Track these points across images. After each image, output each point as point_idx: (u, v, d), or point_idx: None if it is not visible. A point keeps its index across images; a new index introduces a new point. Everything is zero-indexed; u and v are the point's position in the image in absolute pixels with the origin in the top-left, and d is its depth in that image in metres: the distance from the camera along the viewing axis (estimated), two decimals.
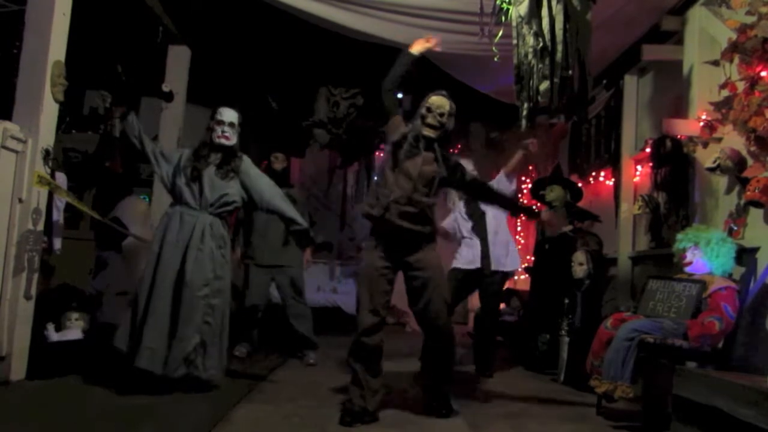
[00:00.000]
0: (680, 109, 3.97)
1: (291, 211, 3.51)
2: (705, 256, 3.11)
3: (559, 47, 3.13)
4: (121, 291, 4.40)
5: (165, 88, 4.94)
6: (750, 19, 2.99)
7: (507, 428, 2.90)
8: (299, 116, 6.44)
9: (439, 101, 3.04)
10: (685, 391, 2.41)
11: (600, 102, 5.70)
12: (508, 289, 7.37)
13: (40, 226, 3.24)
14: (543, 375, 4.49)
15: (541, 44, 3.14)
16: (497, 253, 4.36)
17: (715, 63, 3.35)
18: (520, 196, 7.89)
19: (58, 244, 3.80)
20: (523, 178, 7.75)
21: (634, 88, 4.99)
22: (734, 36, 3.10)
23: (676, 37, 4.15)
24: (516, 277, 8.04)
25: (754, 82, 2.98)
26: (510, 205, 3.50)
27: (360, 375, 2.94)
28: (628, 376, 2.89)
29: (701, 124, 3.55)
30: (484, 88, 5.49)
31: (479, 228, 4.42)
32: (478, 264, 4.34)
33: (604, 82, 5.35)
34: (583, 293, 4.26)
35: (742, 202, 3.26)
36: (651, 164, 4.26)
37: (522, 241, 8.15)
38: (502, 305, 7.08)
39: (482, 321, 4.58)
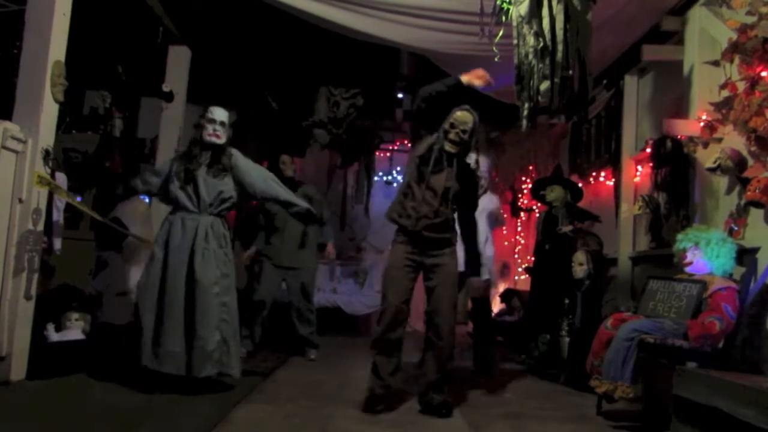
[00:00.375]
0: (680, 109, 3.97)
1: (286, 194, 3.56)
2: (705, 256, 3.11)
3: (560, 47, 3.13)
4: (121, 291, 4.41)
5: (165, 88, 4.94)
6: (750, 20, 2.99)
7: (507, 428, 2.90)
8: (299, 116, 6.44)
9: (463, 117, 3.15)
10: (686, 392, 2.41)
11: (600, 102, 5.70)
12: (508, 289, 7.39)
13: (40, 227, 3.24)
14: (543, 375, 4.49)
15: (541, 44, 3.14)
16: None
17: (716, 63, 3.35)
18: (520, 196, 7.91)
19: (58, 244, 3.80)
20: (524, 179, 7.75)
21: (634, 89, 4.99)
22: (735, 36, 3.10)
23: (677, 38, 4.15)
24: (516, 277, 8.05)
25: (754, 82, 2.98)
26: (470, 262, 3.48)
27: (380, 366, 3.14)
28: (629, 377, 2.89)
29: (701, 124, 3.54)
30: (484, 88, 5.48)
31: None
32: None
33: (605, 82, 5.35)
34: (584, 293, 4.26)
35: (743, 202, 3.26)
36: (651, 164, 4.25)
37: (522, 242, 8.16)
38: (503, 305, 7.12)
39: (477, 322, 4.62)
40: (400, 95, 7.12)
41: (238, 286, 3.59)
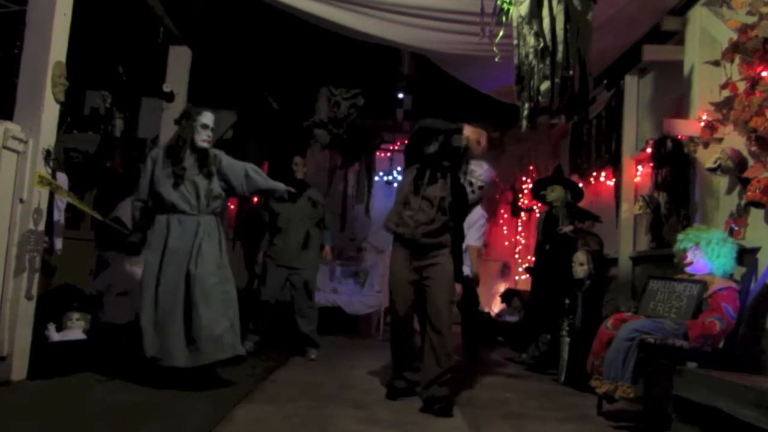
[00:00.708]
0: (681, 109, 3.96)
1: (266, 182, 3.73)
2: (706, 256, 3.11)
3: (560, 47, 3.12)
4: (122, 291, 4.41)
5: (166, 88, 4.94)
6: (751, 19, 2.99)
7: (507, 428, 2.90)
8: (300, 116, 6.44)
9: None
10: (686, 392, 2.41)
11: (601, 102, 5.69)
12: (509, 289, 7.40)
13: (41, 227, 3.24)
14: (543, 375, 4.49)
15: (541, 44, 3.14)
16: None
17: (716, 63, 3.34)
18: (520, 196, 7.91)
19: (59, 244, 3.80)
20: (524, 179, 7.75)
21: (634, 89, 4.99)
22: (735, 36, 3.10)
23: (677, 38, 4.15)
24: (517, 277, 8.05)
25: (754, 82, 2.98)
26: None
27: (397, 360, 3.50)
28: (629, 377, 2.89)
29: (702, 124, 3.54)
30: (484, 88, 5.49)
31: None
32: None
33: (605, 82, 5.34)
34: (584, 293, 4.26)
35: (743, 202, 3.26)
36: (652, 164, 4.25)
37: (522, 242, 8.15)
38: (503, 305, 7.12)
39: (465, 313, 4.87)
40: (400, 95, 7.12)
41: (238, 285, 3.65)
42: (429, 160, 3.40)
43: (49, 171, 3.27)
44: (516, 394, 3.76)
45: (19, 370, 3.10)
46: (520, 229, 8.25)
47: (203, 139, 3.50)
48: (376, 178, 8.24)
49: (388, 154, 8.54)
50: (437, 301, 3.30)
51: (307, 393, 3.39)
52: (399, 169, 8.24)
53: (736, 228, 3.31)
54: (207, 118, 3.54)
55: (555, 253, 4.74)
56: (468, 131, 3.32)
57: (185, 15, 4.93)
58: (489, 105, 5.86)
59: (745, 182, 3.16)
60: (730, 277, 3.09)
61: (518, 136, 7.26)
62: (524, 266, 7.36)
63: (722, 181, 3.51)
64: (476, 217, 4.89)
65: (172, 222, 3.39)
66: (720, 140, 3.48)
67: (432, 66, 5.16)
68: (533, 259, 5.48)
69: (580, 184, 5.33)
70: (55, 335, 3.53)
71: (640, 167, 4.88)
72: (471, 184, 4.00)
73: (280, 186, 3.75)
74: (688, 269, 3.20)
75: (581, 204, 5.12)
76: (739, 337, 3.00)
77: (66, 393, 2.97)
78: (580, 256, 4.33)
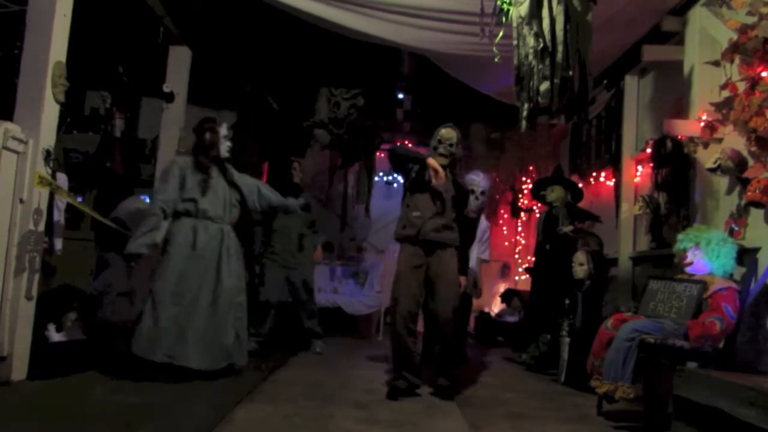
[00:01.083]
0: (681, 109, 3.96)
1: (277, 199, 3.96)
2: (706, 256, 3.11)
3: (560, 48, 3.12)
4: (122, 291, 4.40)
5: (166, 88, 4.95)
6: (751, 20, 2.99)
7: (507, 428, 2.90)
8: (300, 116, 6.44)
9: (447, 133, 3.64)
10: (686, 392, 2.41)
11: (600, 102, 5.69)
12: (509, 289, 7.39)
13: (41, 227, 3.24)
14: (543, 375, 4.49)
15: (541, 45, 3.14)
16: None
17: (716, 63, 3.34)
18: (520, 196, 7.90)
19: (59, 244, 3.80)
20: (524, 179, 7.75)
21: (634, 89, 4.99)
22: (735, 36, 3.09)
23: (677, 38, 4.15)
24: (517, 278, 8.05)
25: (754, 82, 2.98)
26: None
27: (398, 360, 3.53)
28: (629, 377, 2.89)
29: (702, 124, 3.54)
30: (484, 88, 5.49)
31: None
32: None
33: (605, 82, 5.34)
34: (584, 293, 4.26)
35: (743, 202, 3.26)
36: (652, 164, 4.25)
37: (522, 242, 8.15)
38: (503, 306, 7.12)
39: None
40: (400, 95, 7.12)
41: None
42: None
43: (49, 171, 3.27)
44: (516, 394, 3.75)
45: (19, 370, 3.10)
46: (520, 229, 8.25)
47: (227, 149, 3.73)
48: (376, 178, 8.23)
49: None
50: (442, 296, 3.45)
51: (307, 393, 3.39)
52: None
53: (736, 228, 3.31)
54: (225, 127, 3.77)
55: (555, 254, 4.74)
56: (431, 163, 3.51)
57: (185, 15, 4.93)
58: (489, 105, 5.87)
59: (745, 182, 3.16)
60: (730, 277, 3.09)
61: (518, 136, 7.26)
62: (524, 266, 7.35)
63: (722, 181, 3.51)
64: (483, 228, 5.06)
65: (199, 227, 3.55)
66: (720, 140, 3.48)
67: (432, 66, 5.16)
68: (533, 259, 5.48)
69: (580, 185, 5.33)
70: (55, 335, 3.53)
71: (640, 167, 4.88)
72: (473, 191, 4.36)
73: (292, 202, 4.01)
74: (688, 269, 3.20)
75: (581, 204, 5.11)
76: (739, 337, 3.00)
77: (66, 393, 2.97)
78: (580, 257, 4.33)
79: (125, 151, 5.46)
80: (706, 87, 3.62)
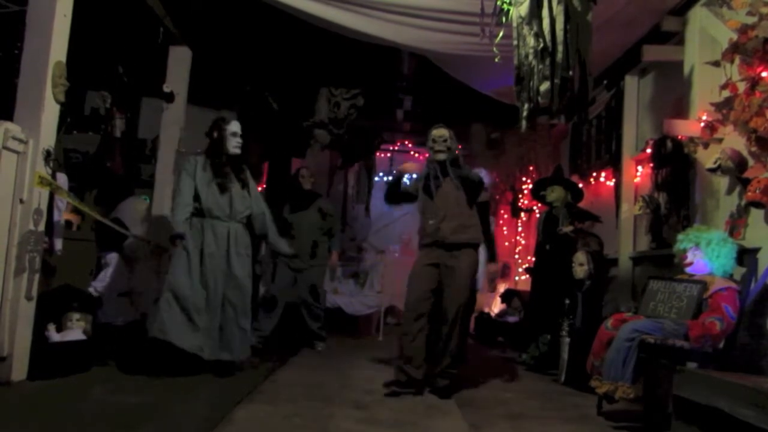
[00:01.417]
0: (681, 109, 3.96)
1: (275, 238, 4.03)
2: (706, 256, 3.11)
3: (560, 48, 3.12)
4: (122, 292, 4.41)
5: (166, 88, 4.95)
6: (751, 20, 2.99)
7: (507, 428, 2.90)
8: (300, 117, 6.44)
9: (438, 132, 3.72)
10: (686, 392, 2.41)
11: (601, 102, 5.69)
12: (509, 289, 7.39)
13: (41, 227, 3.24)
14: (544, 375, 4.49)
15: (541, 45, 3.14)
16: None
17: (716, 63, 3.34)
18: (520, 196, 7.91)
19: (59, 244, 3.80)
20: (524, 179, 7.75)
21: (634, 89, 4.99)
22: (735, 36, 3.10)
23: (677, 38, 4.15)
24: (517, 278, 8.05)
25: (754, 82, 2.98)
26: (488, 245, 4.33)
27: (405, 354, 3.53)
28: (629, 377, 2.89)
29: (702, 124, 3.54)
30: (484, 88, 5.49)
31: None
32: None
33: (605, 82, 5.34)
34: (584, 294, 4.26)
35: (743, 202, 3.26)
36: (652, 165, 4.25)
37: (522, 242, 8.15)
38: (503, 306, 7.12)
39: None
40: (400, 95, 7.12)
41: None
42: (430, 167, 3.69)
43: (49, 171, 3.27)
44: (516, 394, 3.75)
45: (19, 370, 3.10)
46: (520, 229, 8.25)
47: (234, 145, 3.75)
48: (376, 179, 8.23)
49: (388, 155, 8.53)
50: (453, 295, 3.51)
51: (308, 393, 3.39)
52: None
53: (736, 228, 3.31)
54: (235, 125, 3.79)
55: (555, 254, 4.74)
56: (399, 169, 3.81)
57: (185, 15, 4.93)
58: (489, 105, 5.87)
59: (745, 182, 3.16)
60: (730, 277, 3.09)
61: (518, 136, 7.26)
62: (524, 266, 7.35)
63: (722, 182, 3.51)
64: None
65: (206, 226, 3.63)
66: (720, 140, 3.48)
67: (432, 66, 5.16)
68: (533, 259, 5.48)
69: (580, 185, 5.33)
70: (55, 335, 3.53)
71: (640, 167, 4.88)
72: None
73: (285, 250, 4.10)
74: (688, 269, 3.20)
75: (581, 204, 5.11)
76: (739, 338, 3.00)
77: (66, 393, 2.97)
78: (580, 257, 4.33)
79: (125, 151, 5.46)
80: (706, 87, 3.62)
